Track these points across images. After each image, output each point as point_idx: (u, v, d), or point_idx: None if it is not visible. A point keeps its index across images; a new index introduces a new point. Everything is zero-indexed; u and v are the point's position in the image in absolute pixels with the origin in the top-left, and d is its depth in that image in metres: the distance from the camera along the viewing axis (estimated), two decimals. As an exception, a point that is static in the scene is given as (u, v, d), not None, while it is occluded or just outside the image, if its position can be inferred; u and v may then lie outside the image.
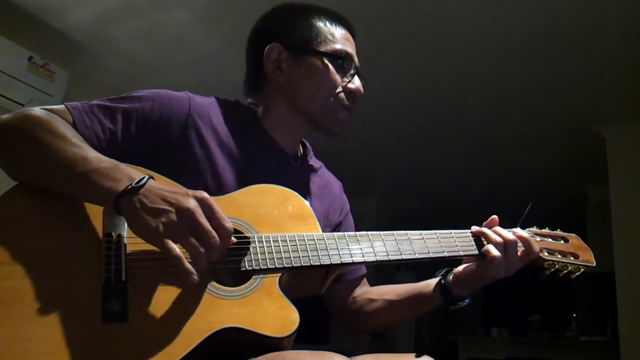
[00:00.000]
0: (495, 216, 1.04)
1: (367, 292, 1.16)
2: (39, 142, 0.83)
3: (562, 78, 3.40)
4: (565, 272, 1.06)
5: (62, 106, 0.91)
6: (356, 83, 1.07)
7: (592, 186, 5.01)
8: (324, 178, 1.17)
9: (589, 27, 2.88)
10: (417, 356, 0.89)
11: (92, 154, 0.82)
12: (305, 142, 1.19)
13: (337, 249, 0.91)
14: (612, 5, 2.69)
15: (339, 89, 1.06)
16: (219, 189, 0.94)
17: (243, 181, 0.96)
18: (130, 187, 0.76)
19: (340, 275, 1.09)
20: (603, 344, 4.93)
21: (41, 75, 3.11)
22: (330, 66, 1.06)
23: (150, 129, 0.95)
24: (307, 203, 0.96)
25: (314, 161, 1.18)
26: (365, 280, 1.19)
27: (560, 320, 5.90)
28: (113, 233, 0.80)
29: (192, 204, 0.75)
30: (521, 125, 4.08)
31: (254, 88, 1.13)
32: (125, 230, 0.81)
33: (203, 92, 1.08)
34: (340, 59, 1.06)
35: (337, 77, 1.06)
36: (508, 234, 1.00)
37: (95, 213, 0.82)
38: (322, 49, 1.06)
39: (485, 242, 1.01)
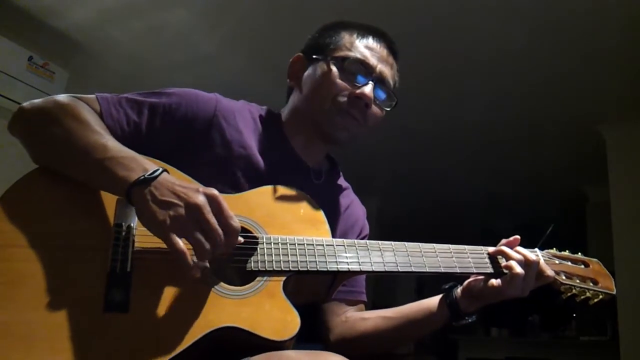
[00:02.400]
0: (517, 236, 1.01)
1: (361, 313, 1.10)
2: (62, 126, 0.85)
3: (563, 78, 3.40)
4: (582, 297, 1.02)
5: (92, 96, 0.94)
6: (364, 89, 1.02)
7: (592, 186, 5.00)
8: (348, 199, 1.16)
9: (589, 27, 2.88)
10: None
11: (112, 143, 0.83)
12: (335, 161, 1.18)
13: (346, 256, 0.89)
14: (612, 5, 2.68)
15: (341, 92, 1.02)
16: (235, 190, 0.94)
17: (259, 185, 0.96)
18: (142, 177, 0.77)
19: (337, 292, 1.05)
20: (603, 344, 4.93)
21: (41, 75, 3.11)
22: (334, 69, 1.03)
23: (175, 125, 0.96)
24: (319, 208, 0.95)
25: (341, 181, 1.16)
26: (362, 306, 1.12)
27: (560, 320, 5.89)
28: (123, 224, 0.81)
29: (201, 200, 0.76)
30: (521, 125, 4.07)
31: (286, 100, 1.14)
32: (136, 222, 0.81)
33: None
34: (345, 61, 1.03)
35: (340, 81, 1.03)
36: (530, 253, 0.98)
37: (109, 202, 0.83)
38: (333, 54, 1.05)
39: (501, 261, 0.98)
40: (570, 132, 4.10)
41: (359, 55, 1.04)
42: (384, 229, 5.07)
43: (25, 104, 0.90)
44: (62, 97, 0.90)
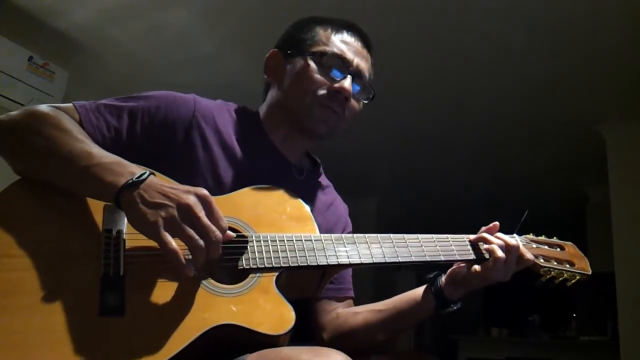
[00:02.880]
0: (496, 222, 1.04)
1: (353, 308, 1.12)
2: (44, 136, 0.84)
3: (563, 78, 3.40)
4: (560, 279, 1.07)
5: (69, 104, 0.93)
6: (343, 83, 1.03)
7: (592, 186, 5.01)
8: (330, 197, 1.17)
9: (589, 27, 2.88)
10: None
11: (96, 150, 0.84)
12: (317, 158, 1.19)
13: (334, 249, 0.91)
14: (612, 5, 2.69)
15: (320, 87, 1.03)
16: (219, 190, 0.95)
17: (243, 184, 0.97)
18: (131, 181, 0.77)
19: (326, 290, 1.06)
20: (603, 344, 4.94)
21: (41, 75, 3.11)
22: (312, 64, 1.04)
23: (155, 129, 0.96)
24: (305, 205, 0.97)
25: (322, 179, 1.17)
26: (351, 302, 1.15)
27: (560, 320, 5.90)
28: (113, 229, 0.81)
29: (192, 200, 0.76)
30: (521, 125, 4.08)
31: (263, 97, 1.15)
32: (125, 227, 0.81)
33: (203, 92, 1.09)
34: (323, 57, 1.04)
35: (318, 76, 1.04)
36: (510, 238, 1.01)
37: (96, 209, 0.83)
38: (310, 50, 1.06)
39: (483, 247, 1.01)
40: (570, 132, 4.11)
41: (336, 50, 1.05)
42: (384, 229, 5.07)
43: (1, 117, 0.89)
44: (40, 108, 0.89)
